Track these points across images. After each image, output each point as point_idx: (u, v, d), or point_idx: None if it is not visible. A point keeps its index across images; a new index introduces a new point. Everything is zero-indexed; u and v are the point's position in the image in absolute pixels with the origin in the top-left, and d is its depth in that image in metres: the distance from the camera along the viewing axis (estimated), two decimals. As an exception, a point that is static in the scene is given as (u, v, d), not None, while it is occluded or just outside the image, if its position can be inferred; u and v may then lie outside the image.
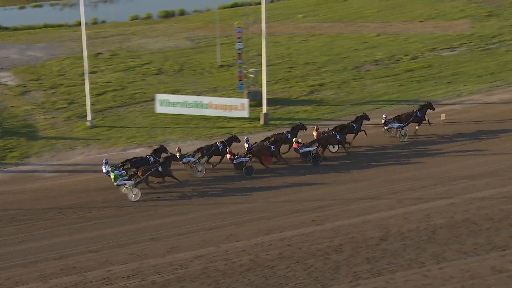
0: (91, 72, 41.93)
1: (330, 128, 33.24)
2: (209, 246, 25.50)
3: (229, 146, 32.16)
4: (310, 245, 25.38)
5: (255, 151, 31.82)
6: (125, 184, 29.56)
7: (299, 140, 32.53)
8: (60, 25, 57.91)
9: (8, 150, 34.77)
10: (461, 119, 36.15)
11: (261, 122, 37.62)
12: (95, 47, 50.44)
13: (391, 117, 34.64)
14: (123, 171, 30.04)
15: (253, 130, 36.76)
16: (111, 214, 28.21)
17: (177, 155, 31.16)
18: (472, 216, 26.76)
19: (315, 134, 33.03)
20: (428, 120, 34.60)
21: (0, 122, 38.01)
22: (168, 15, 60.44)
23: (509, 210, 26.89)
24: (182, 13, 60.87)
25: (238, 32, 40.32)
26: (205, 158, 31.99)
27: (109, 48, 50.87)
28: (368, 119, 33.93)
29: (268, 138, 32.73)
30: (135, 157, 31.42)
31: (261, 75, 38.04)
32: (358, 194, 29.17)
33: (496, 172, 30.33)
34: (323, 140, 32.59)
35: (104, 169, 30.43)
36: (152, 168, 29.97)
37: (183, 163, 31.42)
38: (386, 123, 34.25)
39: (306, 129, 33.68)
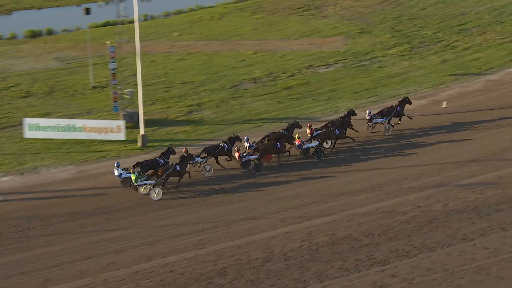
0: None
1: (325, 125, 35.39)
2: (86, 277, 24.54)
3: (232, 146, 33.96)
4: (193, 270, 25.11)
5: (262, 149, 33.55)
6: (145, 184, 31.32)
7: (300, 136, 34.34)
8: None
9: None
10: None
11: (139, 144, 36.98)
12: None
13: (375, 113, 37.06)
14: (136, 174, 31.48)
15: (130, 153, 36.03)
16: (-26, 251, 26.52)
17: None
18: (353, 232, 27.68)
19: (308, 131, 34.98)
20: (408, 116, 37.40)
21: None
22: (34, 35, 58.20)
23: (388, 225, 28.10)
24: (49, 32, 58.82)
25: (111, 51, 39.51)
26: (210, 159, 33.42)
27: (-30, 70, 48.18)
28: (354, 114, 36.35)
29: (266, 137, 34.54)
30: (145, 160, 32.93)
31: (137, 96, 37.44)
32: (241, 215, 29.31)
33: (375, 187, 31.65)
34: (323, 135, 34.88)
35: (116, 172, 32.25)
36: (170, 168, 31.72)
37: (192, 164, 33.07)
38: (371, 119, 36.71)
39: (301, 127, 35.57)
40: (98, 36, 54.01)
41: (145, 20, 62.09)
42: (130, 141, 37.03)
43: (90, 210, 30.16)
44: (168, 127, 39.41)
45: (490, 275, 24.38)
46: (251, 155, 33.40)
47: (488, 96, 41.79)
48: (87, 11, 45.17)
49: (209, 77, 47.49)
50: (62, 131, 37.16)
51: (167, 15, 64.14)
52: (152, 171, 31.87)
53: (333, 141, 35.28)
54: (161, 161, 32.86)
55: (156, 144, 37.02)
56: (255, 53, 52.08)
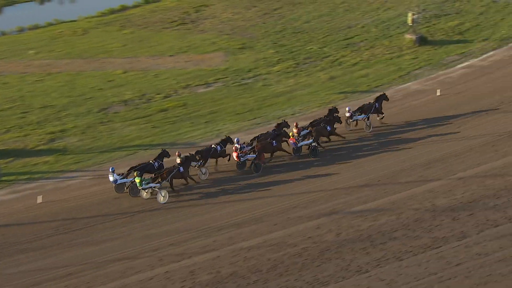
0: None
1: (310, 124, 38.73)
2: None
3: (224, 148, 36.64)
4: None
5: (260, 147, 36.44)
6: (151, 187, 33.66)
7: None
8: None
9: None
10: (223, 163, 37.70)
11: (-10, 179, 35.40)
12: None
13: (355, 110, 40.45)
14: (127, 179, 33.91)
15: (-21, 190, 34.36)
16: None
17: (179, 159, 34.94)
18: (239, 269, 27.78)
19: (295, 130, 38.08)
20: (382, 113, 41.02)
21: None
22: None
23: (277, 259, 28.46)
24: None
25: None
26: (203, 162, 35.80)
27: None
28: (337, 112, 39.67)
29: (256, 138, 37.39)
30: (139, 164, 35.04)
31: (-13, 123, 35.91)
32: (113, 255, 28.62)
33: (261, 218, 32.02)
34: (316, 132, 38.09)
35: (111, 178, 34.19)
36: (174, 170, 34.04)
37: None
38: (351, 116, 40.13)
39: (289, 126, 38.83)
40: None
41: (-5, 35, 59.88)
42: (-21, 176, 35.34)
43: None
44: (26, 158, 38.01)
45: (387, 308, 25.23)
46: (249, 154, 36.44)
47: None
48: None
49: (73, 100, 46.33)
50: None
51: (21, 30, 62.08)
52: (155, 174, 34.20)
53: (327, 137, 39.09)
54: (156, 164, 35.32)
55: (12, 178, 35.55)
56: (125, 72, 51.48)
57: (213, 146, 36.85)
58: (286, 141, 37.95)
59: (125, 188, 34.49)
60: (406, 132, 40.52)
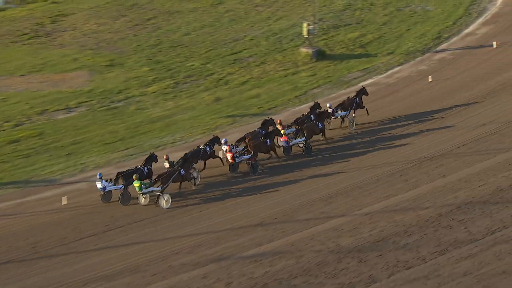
0: None
1: (294, 122, 42.40)
2: None
3: (213, 148, 39.73)
4: None
5: (254, 146, 39.52)
6: (152, 191, 36.43)
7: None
8: None
9: None
10: (101, 203, 37.10)
11: None
12: None
13: (336, 106, 44.40)
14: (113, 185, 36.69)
15: None
16: None
17: (167, 164, 38.24)
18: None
19: (280, 127, 41.37)
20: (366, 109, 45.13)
21: None
22: None
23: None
24: None
25: None
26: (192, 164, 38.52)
27: None
28: (320, 108, 43.73)
29: (243, 138, 40.45)
30: (127, 169, 37.51)
31: None
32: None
33: (138, 268, 31.62)
34: (307, 129, 41.41)
35: (99, 185, 36.60)
36: (175, 172, 37.00)
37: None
38: (333, 113, 43.91)
39: (275, 124, 42.07)
40: None
41: None
42: None
43: None
44: None
45: None
46: (244, 155, 39.52)
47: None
48: None
49: None
50: None
51: None
52: (156, 177, 36.89)
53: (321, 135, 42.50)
54: (146, 169, 37.76)
55: None
56: (-35, 96, 49.90)
57: (201, 147, 39.78)
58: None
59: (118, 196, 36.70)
60: (304, 162, 41.28)
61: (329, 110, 43.97)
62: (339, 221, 34.92)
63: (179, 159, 38.35)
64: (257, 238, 33.74)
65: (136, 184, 36.52)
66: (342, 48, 59.17)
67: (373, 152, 41.76)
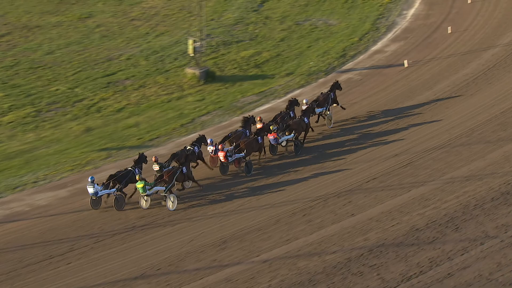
0: None
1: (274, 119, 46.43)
2: None
3: (200, 148, 43.48)
4: None
5: (246, 145, 43.38)
6: (157, 191, 40.11)
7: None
8: None
9: None
10: None
11: None
12: None
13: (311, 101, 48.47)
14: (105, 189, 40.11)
15: None
16: None
17: (156, 166, 41.38)
18: None
19: (259, 126, 45.23)
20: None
21: None
22: None
23: None
24: None
25: None
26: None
27: None
28: (298, 104, 48.39)
29: (227, 137, 44.36)
30: (118, 171, 41.25)
31: None
32: None
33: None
34: (295, 125, 45.53)
35: (91, 190, 39.85)
36: (177, 171, 40.66)
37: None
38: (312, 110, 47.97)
39: (256, 123, 45.96)
40: None
41: None
42: None
43: None
44: None
45: None
46: (237, 154, 43.12)
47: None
48: None
49: None
50: None
51: None
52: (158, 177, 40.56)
53: (303, 133, 46.44)
54: (137, 171, 41.28)
55: None
56: None
57: (188, 147, 43.36)
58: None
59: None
60: (197, 201, 41.50)
61: (305, 108, 47.76)
62: (234, 270, 35.11)
63: (167, 160, 42.26)
64: (138, 294, 33.57)
65: (140, 185, 39.93)
66: (234, 68, 59.76)
67: (273, 189, 42.26)
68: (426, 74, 57.11)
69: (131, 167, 41.63)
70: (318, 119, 49.62)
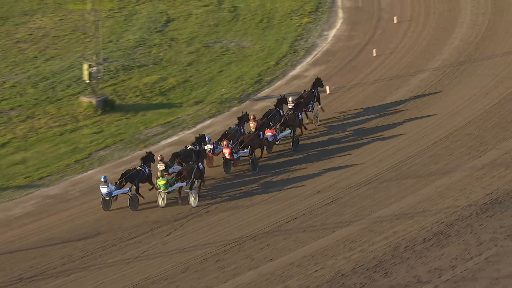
0: None
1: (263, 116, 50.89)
2: None
3: (200, 148, 47.19)
4: None
5: (249, 140, 48.04)
6: (178, 187, 44.55)
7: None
8: None
9: None
10: None
11: None
12: None
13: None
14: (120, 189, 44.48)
15: None
16: None
17: (162, 165, 45.26)
18: None
19: (253, 125, 49.88)
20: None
21: None
22: None
23: None
24: None
25: None
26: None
27: None
28: (286, 102, 52.55)
29: (224, 136, 48.51)
30: (128, 170, 45.30)
31: None
32: None
33: None
34: (291, 121, 50.24)
35: (105, 190, 43.87)
36: (194, 167, 44.80)
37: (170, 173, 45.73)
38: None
39: (249, 120, 50.43)
40: None
41: None
42: None
43: None
44: None
45: None
46: (242, 151, 47.80)
47: (49, 223, 43.79)
48: None
49: None
50: None
51: None
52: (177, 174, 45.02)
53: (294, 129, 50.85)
54: (147, 170, 45.36)
55: None
56: None
57: (190, 147, 47.37)
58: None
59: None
60: (95, 246, 41.06)
61: (291, 105, 51.70)
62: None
63: (171, 158, 46.54)
64: None
65: (161, 182, 44.03)
66: (137, 96, 59.61)
67: (180, 232, 42.19)
68: (350, 101, 57.69)
69: (140, 167, 45.39)
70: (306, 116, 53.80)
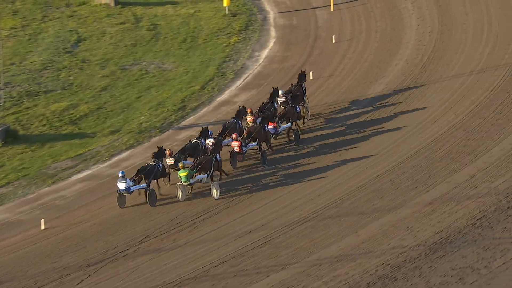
0: None
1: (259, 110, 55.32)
2: None
3: (205, 142, 51.57)
4: None
5: (257, 133, 52.34)
6: (200, 179, 49.02)
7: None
8: None
9: None
10: None
11: None
12: None
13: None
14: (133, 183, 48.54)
15: None
16: None
17: (172, 160, 50.05)
18: None
19: (250, 119, 54.36)
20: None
21: None
22: None
23: None
24: None
25: None
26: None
27: None
28: (278, 95, 57.21)
29: (225, 131, 53.28)
30: (144, 166, 49.43)
31: None
32: None
33: None
34: (290, 113, 55.24)
35: (123, 186, 48.04)
36: (212, 159, 49.16)
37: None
38: (287, 101, 56.73)
39: (247, 113, 54.84)
40: None
41: None
42: None
43: None
44: None
45: None
46: (250, 144, 52.37)
47: None
48: None
49: None
50: None
51: None
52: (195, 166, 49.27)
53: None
54: (160, 165, 49.74)
55: None
56: None
57: (194, 140, 51.88)
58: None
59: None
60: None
61: (282, 99, 56.76)
62: None
63: (178, 152, 50.89)
64: None
65: (183, 173, 48.22)
66: (43, 125, 59.36)
67: (93, 279, 42.00)
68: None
69: (153, 162, 49.48)
70: None
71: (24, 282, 41.85)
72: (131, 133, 58.60)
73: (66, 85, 65.74)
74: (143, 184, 48.66)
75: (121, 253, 43.95)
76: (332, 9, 79.80)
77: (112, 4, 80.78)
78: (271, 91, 57.59)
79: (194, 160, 50.46)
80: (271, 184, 50.71)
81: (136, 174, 48.78)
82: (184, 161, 50.32)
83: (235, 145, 51.65)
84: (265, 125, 53.58)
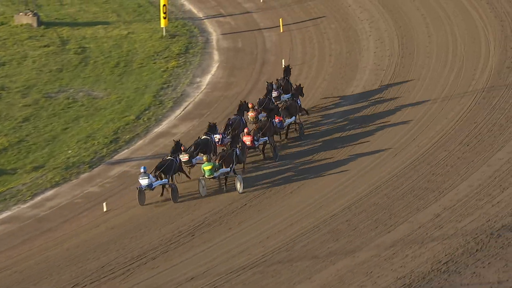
0: None
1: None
2: None
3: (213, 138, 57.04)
4: None
5: (267, 128, 57.65)
6: (223, 173, 54.27)
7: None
8: None
9: None
10: None
11: None
12: None
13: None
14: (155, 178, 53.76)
15: None
16: None
17: (186, 156, 55.15)
18: None
19: (252, 114, 59.90)
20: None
21: None
22: None
23: None
24: None
25: None
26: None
27: None
28: (272, 87, 63.41)
29: (229, 126, 57.92)
30: (161, 162, 54.37)
31: None
32: None
33: None
34: (292, 108, 60.54)
35: (145, 182, 53.13)
36: (233, 153, 54.59)
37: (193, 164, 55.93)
38: (279, 97, 62.80)
39: (249, 109, 60.34)
40: None
41: None
42: None
43: None
44: None
45: None
46: (262, 138, 57.62)
47: None
48: None
49: None
50: None
51: None
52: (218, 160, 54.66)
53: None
54: (177, 160, 54.65)
55: None
56: None
57: (204, 137, 56.60)
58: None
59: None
60: None
61: (275, 93, 62.69)
62: None
63: (191, 146, 55.84)
64: None
65: (207, 167, 53.36)
66: (-44, 160, 59.16)
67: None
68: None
69: (170, 157, 54.38)
70: None
71: None
72: (57, 169, 58.41)
73: (-17, 116, 65.52)
74: (165, 180, 53.48)
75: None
76: (281, 30, 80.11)
77: (35, 24, 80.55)
78: (267, 88, 63.21)
79: (207, 155, 54.58)
80: (215, 225, 50.74)
81: (156, 171, 53.33)
82: (197, 157, 55.35)
83: (247, 140, 56.84)
84: (273, 120, 58.65)
